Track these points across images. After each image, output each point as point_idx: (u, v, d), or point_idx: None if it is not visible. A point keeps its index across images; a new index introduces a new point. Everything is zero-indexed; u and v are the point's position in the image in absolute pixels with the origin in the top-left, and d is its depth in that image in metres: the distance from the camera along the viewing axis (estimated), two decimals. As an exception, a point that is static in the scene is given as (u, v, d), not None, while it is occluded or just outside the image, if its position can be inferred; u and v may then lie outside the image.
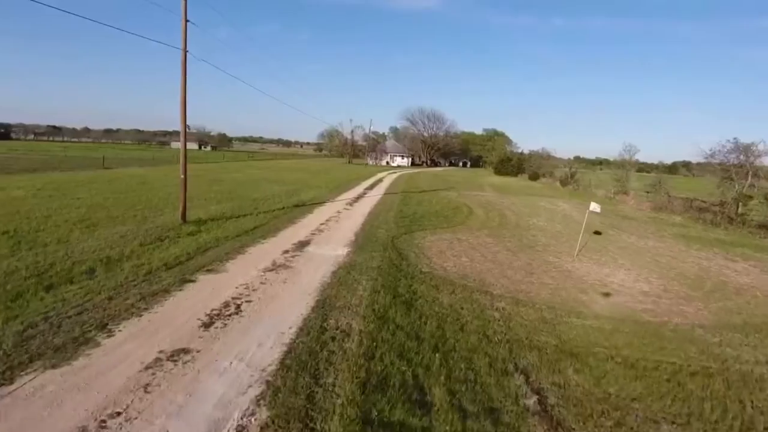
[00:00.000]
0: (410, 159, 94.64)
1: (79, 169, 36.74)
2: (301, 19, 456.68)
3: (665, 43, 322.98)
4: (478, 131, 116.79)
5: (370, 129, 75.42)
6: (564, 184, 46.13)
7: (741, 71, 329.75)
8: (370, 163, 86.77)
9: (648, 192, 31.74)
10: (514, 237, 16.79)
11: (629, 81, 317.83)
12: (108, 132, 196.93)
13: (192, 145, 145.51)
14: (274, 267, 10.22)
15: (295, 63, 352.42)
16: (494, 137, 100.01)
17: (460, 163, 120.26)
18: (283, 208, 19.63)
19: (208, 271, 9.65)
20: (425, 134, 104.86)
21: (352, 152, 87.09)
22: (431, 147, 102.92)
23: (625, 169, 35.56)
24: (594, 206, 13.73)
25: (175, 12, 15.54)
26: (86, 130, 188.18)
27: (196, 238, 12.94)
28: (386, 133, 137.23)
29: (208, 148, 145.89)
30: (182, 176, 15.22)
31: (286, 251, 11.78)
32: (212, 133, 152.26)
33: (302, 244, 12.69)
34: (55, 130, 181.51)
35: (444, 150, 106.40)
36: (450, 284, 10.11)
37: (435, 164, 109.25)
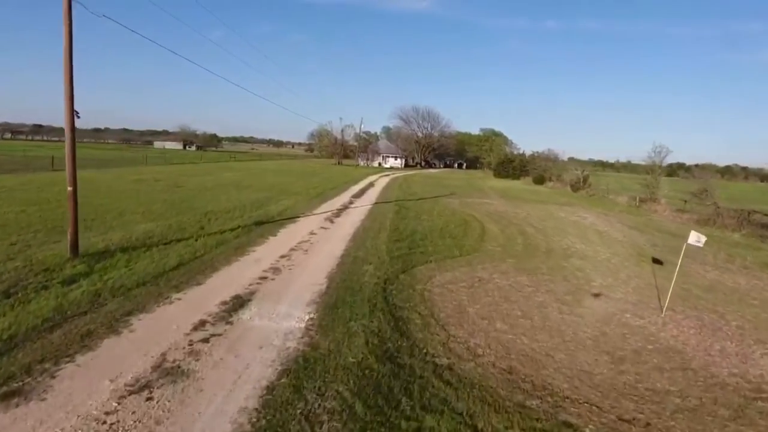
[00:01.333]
0: (404, 160, 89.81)
1: (24, 172, 31.56)
2: (295, 20, 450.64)
3: (659, 45, 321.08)
4: (474, 131, 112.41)
5: (360, 128, 70.55)
6: (575, 189, 41.57)
7: (733, 73, 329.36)
8: (362, 164, 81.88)
9: (686, 201, 27.22)
10: (554, 272, 12.00)
11: (623, 83, 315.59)
12: (96, 131, 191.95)
13: (177, 145, 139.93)
14: (154, 377, 5.26)
15: (288, 63, 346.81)
16: (492, 138, 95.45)
17: (455, 165, 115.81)
18: (239, 227, 14.65)
19: (2, 398, 4.69)
20: (419, 134, 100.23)
21: (342, 153, 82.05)
22: (425, 147, 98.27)
23: (654, 173, 31.03)
24: (695, 237, 8.94)
25: None
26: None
27: (69, 291, 7.99)
28: (378, 133, 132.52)
29: (193, 148, 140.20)
30: (69, 188, 10.21)
31: (201, 324, 6.83)
32: (198, 132, 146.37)
33: (236, 304, 7.76)
34: (40, 129, 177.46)
35: (439, 151, 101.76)
36: (495, 406, 5.25)
37: (429, 165, 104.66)
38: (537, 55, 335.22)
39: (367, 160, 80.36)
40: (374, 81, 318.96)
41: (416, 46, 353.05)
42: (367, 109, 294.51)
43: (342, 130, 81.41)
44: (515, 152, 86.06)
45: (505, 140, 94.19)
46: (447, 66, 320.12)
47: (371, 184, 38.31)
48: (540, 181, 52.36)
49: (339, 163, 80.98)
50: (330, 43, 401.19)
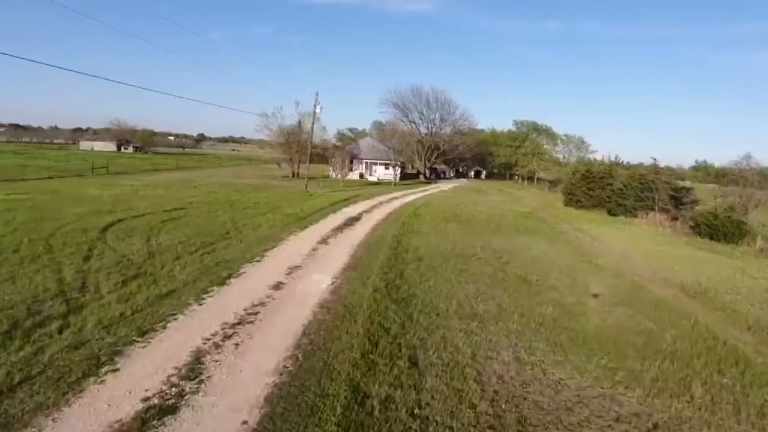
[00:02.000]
0: (399, 169, 58.47)
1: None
2: (294, 21, 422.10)
3: (658, 46, 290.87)
4: (498, 127, 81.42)
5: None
6: None
7: (736, 75, 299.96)
8: (333, 176, 50.79)
9: None
10: None
11: (625, 83, 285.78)
12: (77, 131, 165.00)
13: (109, 146, 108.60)
14: None
15: (287, 64, 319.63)
16: (530, 135, 64.44)
17: (472, 173, 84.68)
18: None
19: None
20: (422, 129, 68.91)
21: (297, 158, 50.76)
22: (431, 150, 67.04)
23: None
24: None
25: None
26: (55, 129, 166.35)
27: None
28: (367, 130, 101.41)
29: (130, 149, 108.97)
30: None
31: None
32: (137, 129, 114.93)
33: None
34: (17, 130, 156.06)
35: (451, 155, 70.54)
36: None
37: (437, 175, 73.53)
38: (537, 55, 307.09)
39: (342, 169, 48.96)
40: (376, 82, 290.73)
41: (418, 47, 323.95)
42: (369, 110, 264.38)
43: (300, 122, 49.96)
44: (570, 155, 55.25)
45: (553, 137, 63.17)
46: (450, 66, 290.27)
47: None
48: (732, 233, 21.30)
49: (293, 176, 49.79)
50: (330, 44, 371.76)
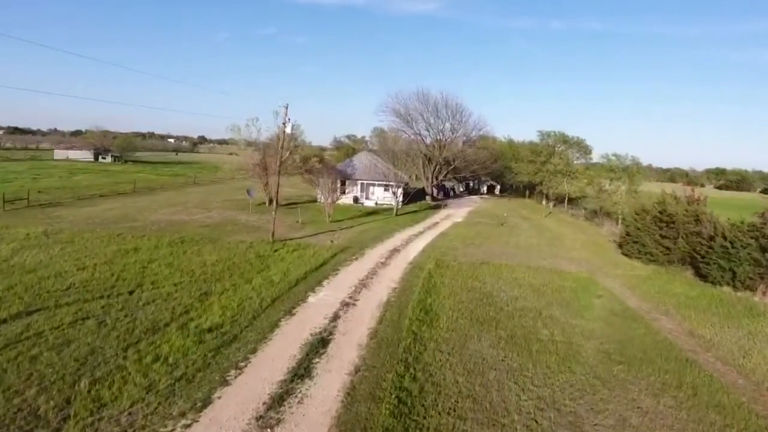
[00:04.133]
0: (401, 189, 48.50)
1: None
2: (299, 22, 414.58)
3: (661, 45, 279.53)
4: (518, 138, 71.68)
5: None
6: None
7: (742, 73, 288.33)
8: (321, 200, 41.40)
9: None
10: None
11: (626, 83, 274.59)
12: (76, 134, 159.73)
13: (86, 155, 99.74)
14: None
15: (289, 65, 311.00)
16: (557, 148, 54.61)
17: (484, 188, 74.86)
18: None
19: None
20: (429, 140, 59.04)
21: (276, 175, 41.17)
22: (440, 166, 57.26)
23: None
24: None
25: None
26: (54, 132, 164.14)
27: None
28: (367, 138, 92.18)
29: (108, 158, 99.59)
30: None
31: None
32: (118, 133, 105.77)
33: None
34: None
35: (464, 171, 60.64)
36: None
37: (446, 193, 63.79)
38: (540, 54, 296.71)
39: (330, 192, 39.22)
40: (379, 84, 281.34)
41: (423, 48, 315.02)
42: (370, 115, 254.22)
43: (280, 136, 40.33)
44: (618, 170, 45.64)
45: (586, 150, 53.30)
46: (457, 68, 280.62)
47: None
48: None
49: (270, 203, 40.13)
50: (334, 46, 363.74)
